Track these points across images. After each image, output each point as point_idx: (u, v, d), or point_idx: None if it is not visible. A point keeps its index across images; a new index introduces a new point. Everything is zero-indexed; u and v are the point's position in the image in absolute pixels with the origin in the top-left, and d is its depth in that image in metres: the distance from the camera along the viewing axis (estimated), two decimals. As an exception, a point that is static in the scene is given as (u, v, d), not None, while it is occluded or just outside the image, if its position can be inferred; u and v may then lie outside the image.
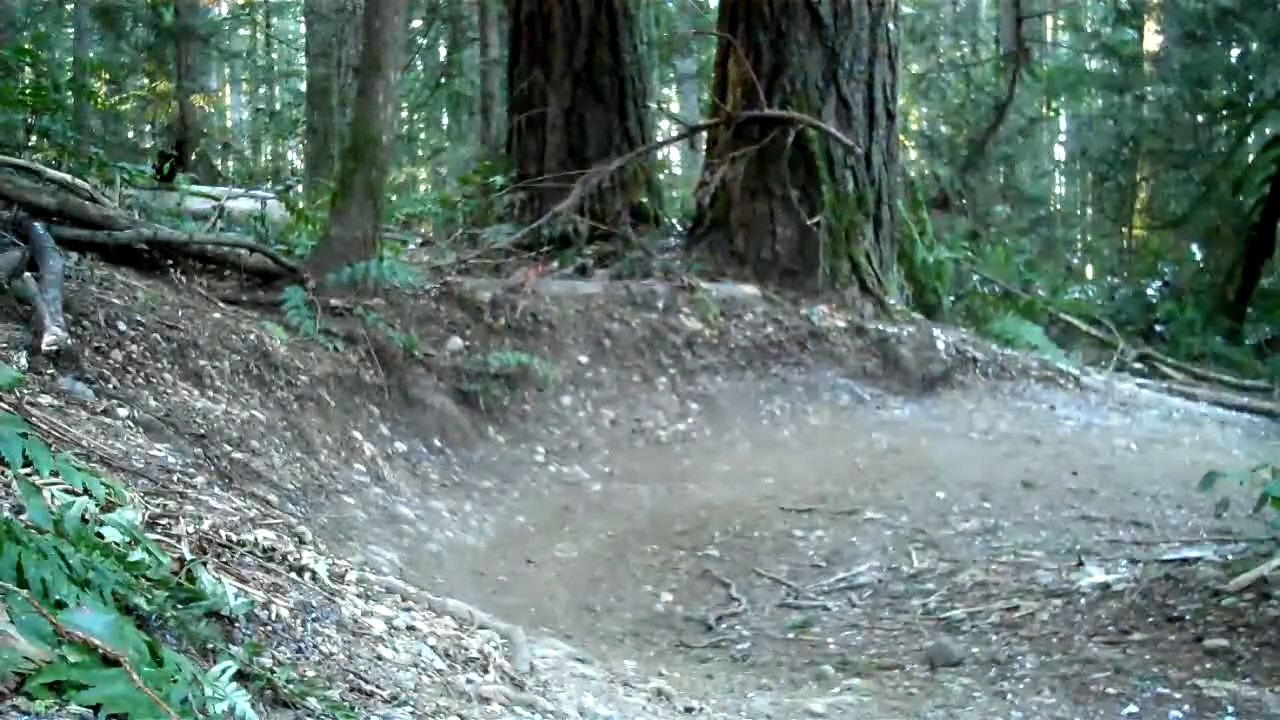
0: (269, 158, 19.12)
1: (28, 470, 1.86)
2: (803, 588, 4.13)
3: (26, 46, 9.24)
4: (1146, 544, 4.04)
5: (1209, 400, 7.61)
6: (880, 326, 7.21)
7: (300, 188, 12.31)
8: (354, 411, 4.81)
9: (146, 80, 14.79)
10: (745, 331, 6.87)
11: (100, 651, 1.43)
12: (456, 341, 5.83)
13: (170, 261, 5.05)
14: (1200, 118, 13.66)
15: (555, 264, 7.56)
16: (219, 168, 14.17)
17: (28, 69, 7.70)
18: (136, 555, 1.89)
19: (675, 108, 17.04)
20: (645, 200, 8.76)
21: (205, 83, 15.77)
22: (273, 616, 2.05)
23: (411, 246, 8.34)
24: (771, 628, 3.82)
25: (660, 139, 10.63)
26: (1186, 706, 2.76)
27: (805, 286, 7.45)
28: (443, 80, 15.84)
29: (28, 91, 6.46)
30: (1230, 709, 2.71)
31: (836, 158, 7.59)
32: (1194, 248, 13.55)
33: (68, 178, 5.19)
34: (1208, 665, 2.95)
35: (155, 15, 13.97)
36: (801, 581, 4.18)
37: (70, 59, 13.24)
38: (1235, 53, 13.54)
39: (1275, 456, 4.43)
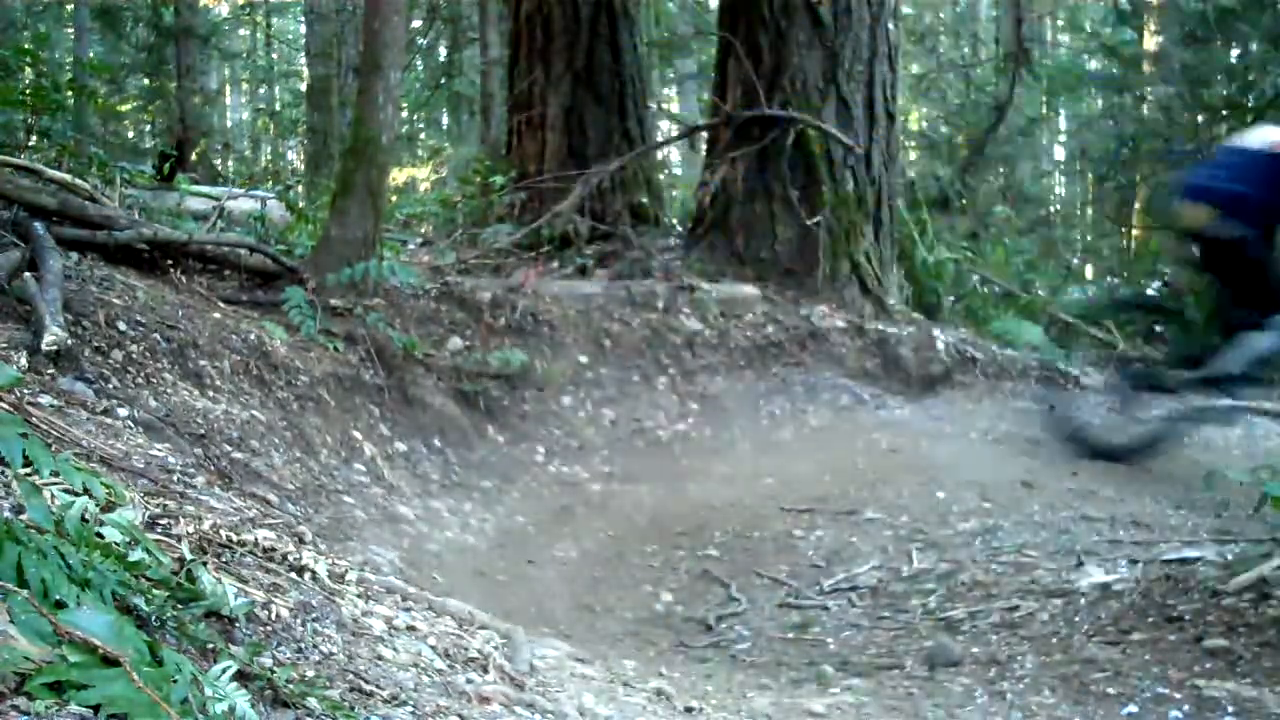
0: (269, 158, 19.12)
1: (28, 470, 1.86)
2: (803, 588, 4.13)
3: (26, 46, 9.23)
4: (1146, 544, 4.04)
5: (1208, 400, 7.60)
6: (880, 326, 7.20)
7: (300, 188, 12.31)
8: (354, 411, 4.81)
9: (146, 80, 14.81)
10: (745, 331, 6.87)
11: (100, 651, 1.43)
12: (456, 341, 5.83)
13: (170, 261, 5.04)
14: (1200, 118, 13.63)
15: (555, 264, 7.56)
16: (219, 168, 14.17)
17: (28, 69, 7.69)
18: (136, 555, 1.89)
19: (675, 108, 17.05)
20: (645, 200, 8.76)
21: (205, 83, 15.79)
22: (273, 616, 2.05)
23: (411, 246, 8.34)
24: (771, 628, 3.82)
25: (660, 139, 10.62)
26: (1186, 706, 2.76)
27: (805, 286, 7.44)
28: (443, 80, 15.86)
29: (28, 91, 6.44)
30: (1230, 709, 2.71)
31: (836, 158, 7.58)
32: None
33: (68, 178, 5.18)
34: (1207, 665, 2.95)
35: (155, 15, 13.99)
36: (801, 581, 4.18)
37: (70, 59, 13.26)
38: (1235, 53, 13.53)
39: (1275, 456, 4.44)
